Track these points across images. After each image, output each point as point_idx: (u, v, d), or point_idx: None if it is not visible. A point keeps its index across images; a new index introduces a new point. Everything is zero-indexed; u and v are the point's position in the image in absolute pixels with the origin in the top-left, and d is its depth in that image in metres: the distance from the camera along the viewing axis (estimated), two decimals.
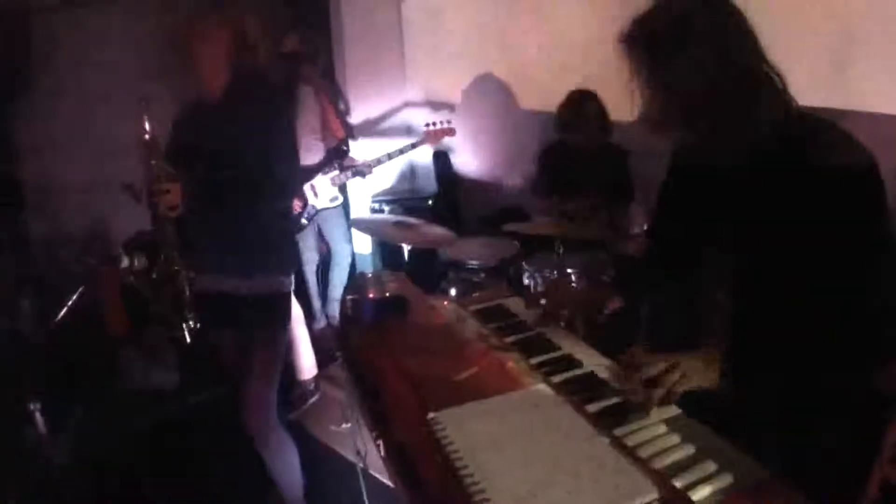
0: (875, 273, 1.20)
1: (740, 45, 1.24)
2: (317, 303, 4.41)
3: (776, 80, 1.28)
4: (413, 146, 4.20)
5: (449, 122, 4.22)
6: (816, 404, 1.29)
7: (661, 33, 1.24)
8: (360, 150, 4.54)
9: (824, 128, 1.27)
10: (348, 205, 4.70)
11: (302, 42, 4.00)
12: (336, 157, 4.02)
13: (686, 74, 1.22)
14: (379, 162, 4.10)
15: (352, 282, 4.35)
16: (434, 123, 4.20)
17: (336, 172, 3.98)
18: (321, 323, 4.41)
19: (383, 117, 5.28)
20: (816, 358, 1.23)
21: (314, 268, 4.33)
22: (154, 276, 2.16)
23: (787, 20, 2.59)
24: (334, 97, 4.22)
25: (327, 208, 4.04)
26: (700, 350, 1.31)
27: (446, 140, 4.50)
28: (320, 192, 3.95)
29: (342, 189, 4.15)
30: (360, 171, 4.02)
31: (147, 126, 2.09)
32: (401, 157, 4.22)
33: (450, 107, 5.01)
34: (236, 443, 2.46)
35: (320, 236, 4.32)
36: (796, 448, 1.26)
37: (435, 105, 5.12)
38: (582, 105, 3.33)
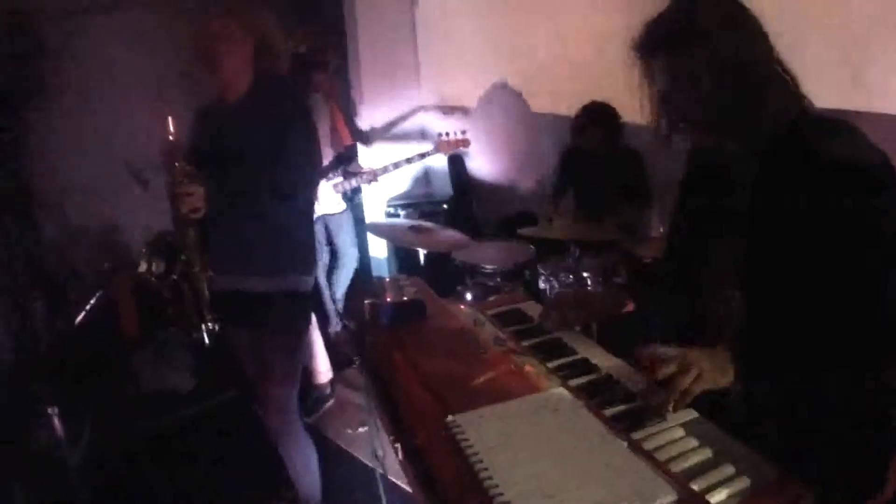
0: (888, 273, 1.20)
1: (752, 47, 1.25)
2: (330, 306, 4.42)
3: (789, 80, 1.28)
4: (422, 156, 4.18)
5: (464, 132, 4.17)
6: (829, 405, 1.29)
7: (674, 36, 1.25)
8: (373, 154, 4.54)
9: (838, 128, 1.27)
10: (361, 209, 4.70)
11: (314, 49, 4.00)
12: (341, 163, 4.01)
13: (699, 77, 1.23)
14: (385, 170, 4.07)
15: (363, 286, 4.37)
16: (448, 134, 4.15)
17: (339, 179, 3.97)
18: (336, 327, 4.43)
19: (397, 122, 5.29)
20: (829, 358, 1.23)
21: (323, 271, 4.34)
22: (174, 277, 2.18)
23: (801, 21, 2.58)
24: (344, 104, 4.20)
25: (329, 214, 4.02)
26: (714, 348, 1.30)
27: None
28: (322, 198, 3.92)
29: (351, 195, 4.13)
30: (365, 178, 4.01)
31: (171, 128, 2.08)
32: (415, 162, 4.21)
33: (464, 111, 5.02)
34: (251, 445, 2.47)
35: (328, 239, 4.33)
36: (808, 448, 1.26)
37: (448, 109, 5.13)
38: (596, 117, 3.36)
